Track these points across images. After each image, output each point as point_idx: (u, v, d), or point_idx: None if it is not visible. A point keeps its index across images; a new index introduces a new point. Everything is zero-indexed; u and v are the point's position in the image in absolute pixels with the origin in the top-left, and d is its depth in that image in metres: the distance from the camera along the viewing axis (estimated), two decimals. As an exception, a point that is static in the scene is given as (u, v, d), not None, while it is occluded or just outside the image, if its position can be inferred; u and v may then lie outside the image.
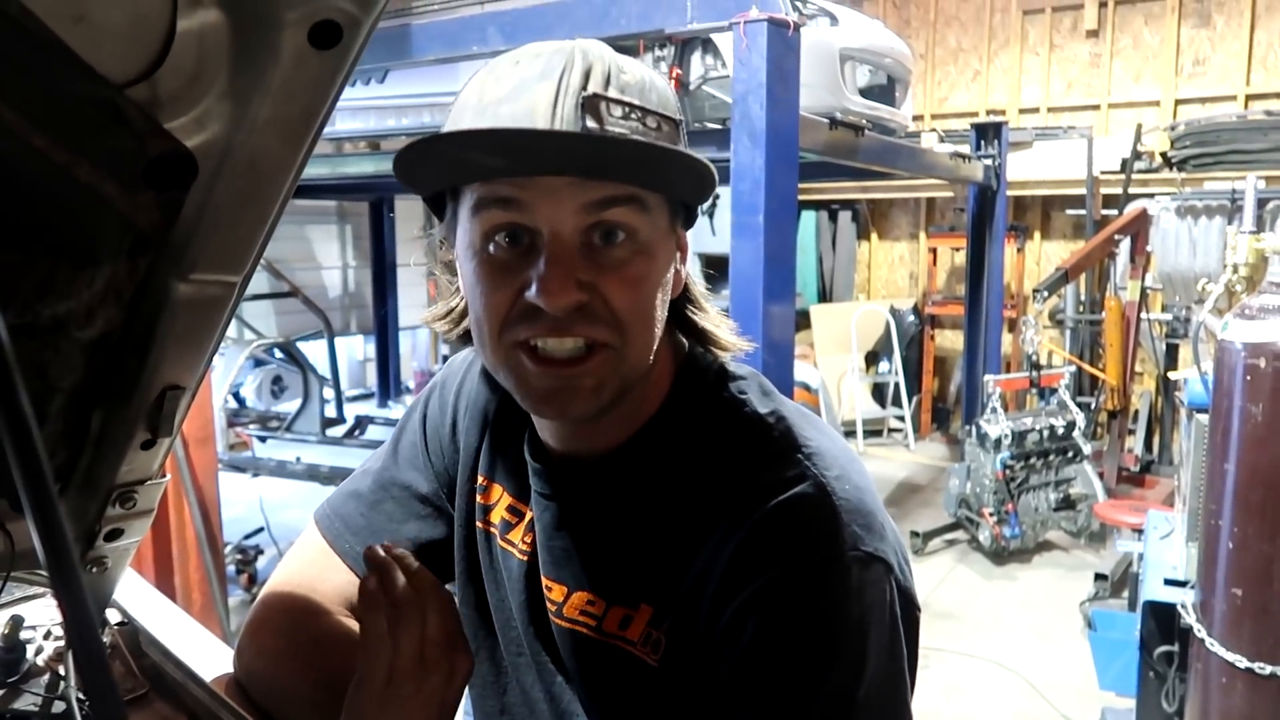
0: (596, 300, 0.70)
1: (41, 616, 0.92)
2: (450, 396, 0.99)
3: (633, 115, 0.69)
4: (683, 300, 0.82)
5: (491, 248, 0.71)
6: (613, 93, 0.69)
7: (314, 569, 0.96)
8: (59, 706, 0.84)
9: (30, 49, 0.52)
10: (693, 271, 0.84)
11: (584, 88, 0.68)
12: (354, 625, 0.92)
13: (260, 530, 4.68)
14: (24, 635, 0.87)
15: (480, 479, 0.93)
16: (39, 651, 0.87)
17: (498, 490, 0.92)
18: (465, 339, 0.84)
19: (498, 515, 0.91)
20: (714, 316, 0.84)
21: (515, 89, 0.69)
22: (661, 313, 0.75)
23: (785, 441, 0.78)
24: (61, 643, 0.88)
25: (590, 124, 0.68)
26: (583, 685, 0.84)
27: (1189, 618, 2.28)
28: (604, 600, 0.80)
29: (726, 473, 0.76)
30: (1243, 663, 2.09)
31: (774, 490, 0.73)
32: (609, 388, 0.73)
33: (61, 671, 0.86)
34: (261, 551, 4.52)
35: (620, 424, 0.80)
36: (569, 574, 0.83)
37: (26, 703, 0.83)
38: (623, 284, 0.70)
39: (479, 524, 0.93)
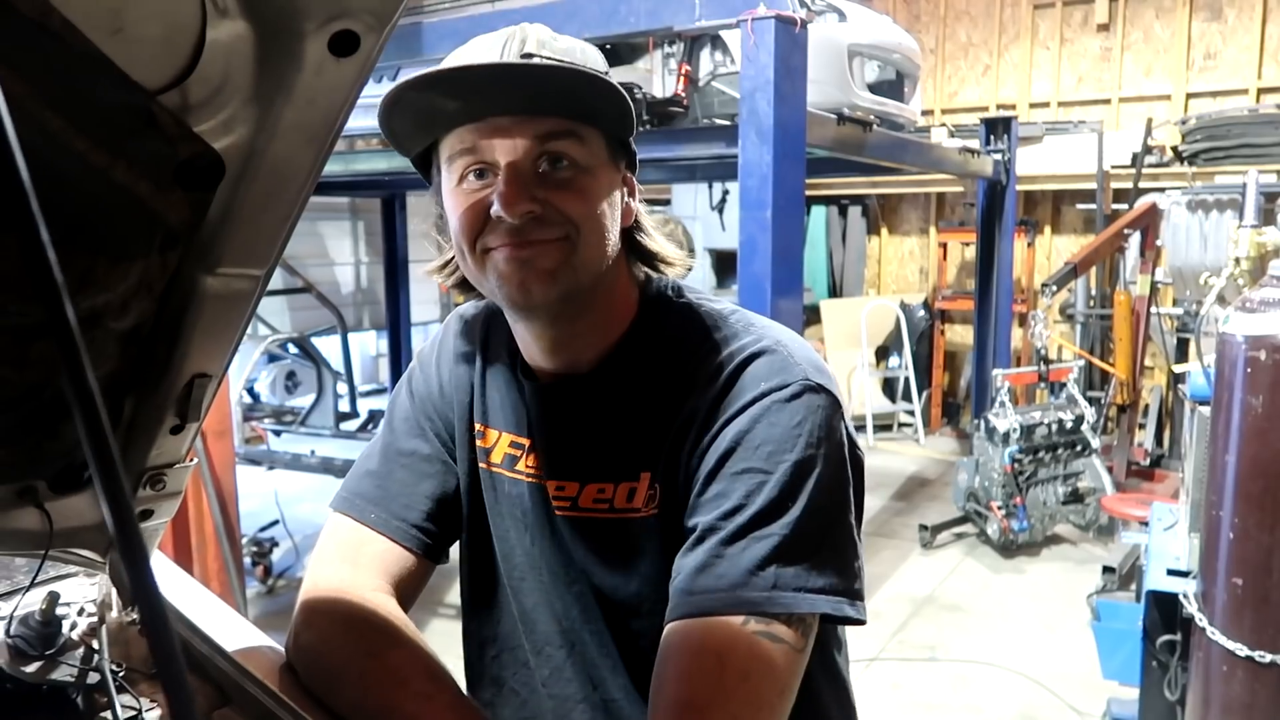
0: (550, 210, 0.86)
1: (76, 593, 0.96)
2: (432, 365, 1.09)
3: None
4: (634, 228, 0.98)
5: (465, 185, 0.88)
6: (546, 54, 0.87)
7: (347, 548, 1.01)
8: (93, 678, 0.89)
9: (72, 60, 0.56)
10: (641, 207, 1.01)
11: (522, 48, 0.87)
12: (392, 601, 0.98)
13: (276, 523, 4.75)
14: (60, 611, 0.91)
15: (478, 426, 1.04)
16: (74, 626, 0.92)
17: (494, 433, 1.03)
18: (462, 286, 0.98)
19: (499, 454, 1.02)
20: (661, 241, 1.00)
21: (472, 55, 0.88)
22: (611, 225, 0.91)
23: (742, 324, 0.95)
24: (95, 618, 0.92)
25: None
26: (594, 565, 0.95)
27: (1190, 607, 2.29)
28: (611, 483, 0.93)
29: (696, 353, 0.93)
30: (1243, 651, 2.11)
31: (737, 354, 0.91)
32: (565, 273, 0.87)
33: (95, 645, 0.91)
34: (277, 544, 4.58)
35: (598, 337, 0.96)
36: (577, 471, 0.95)
37: (63, 674, 0.88)
38: (569, 195, 0.87)
39: (482, 465, 1.03)
